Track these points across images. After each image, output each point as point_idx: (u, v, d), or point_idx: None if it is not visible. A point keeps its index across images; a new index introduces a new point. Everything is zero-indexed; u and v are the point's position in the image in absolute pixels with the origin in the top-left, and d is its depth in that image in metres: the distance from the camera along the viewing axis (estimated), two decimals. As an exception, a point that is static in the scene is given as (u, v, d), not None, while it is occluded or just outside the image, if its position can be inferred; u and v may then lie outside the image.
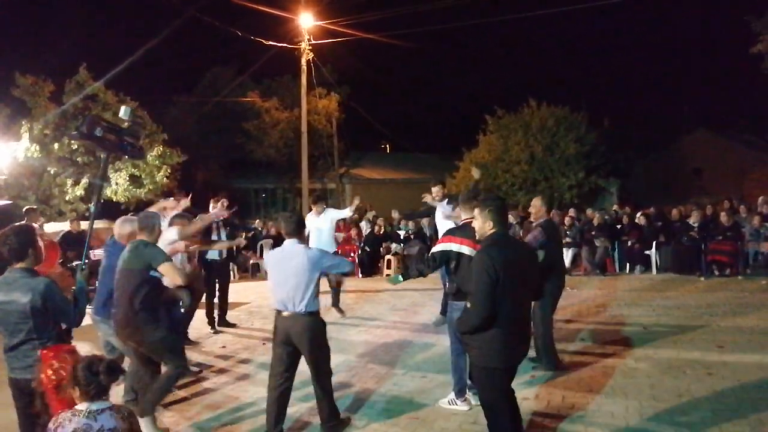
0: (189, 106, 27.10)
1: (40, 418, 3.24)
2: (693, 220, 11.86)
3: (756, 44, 16.48)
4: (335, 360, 5.01)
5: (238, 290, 10.39)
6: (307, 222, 8.45)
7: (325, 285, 7.48)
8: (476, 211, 3.73)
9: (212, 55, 29.91)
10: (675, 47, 46.77)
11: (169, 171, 14.90)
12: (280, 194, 30.07)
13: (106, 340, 5.19)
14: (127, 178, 14.04)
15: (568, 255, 12.36)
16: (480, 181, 8.94)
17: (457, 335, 4.96)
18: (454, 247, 4.76)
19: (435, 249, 4.95)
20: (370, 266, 13.65)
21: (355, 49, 23.87)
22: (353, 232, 14.38)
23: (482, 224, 3.67)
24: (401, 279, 5.39)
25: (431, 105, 38.00)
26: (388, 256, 13.53)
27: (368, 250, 13.83)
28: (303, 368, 4.52)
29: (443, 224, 7.22)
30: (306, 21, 20.18)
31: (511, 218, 14.54)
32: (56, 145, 13.09)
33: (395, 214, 15.70)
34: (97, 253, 10.37)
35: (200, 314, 7.76)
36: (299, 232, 4.58)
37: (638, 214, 12.96)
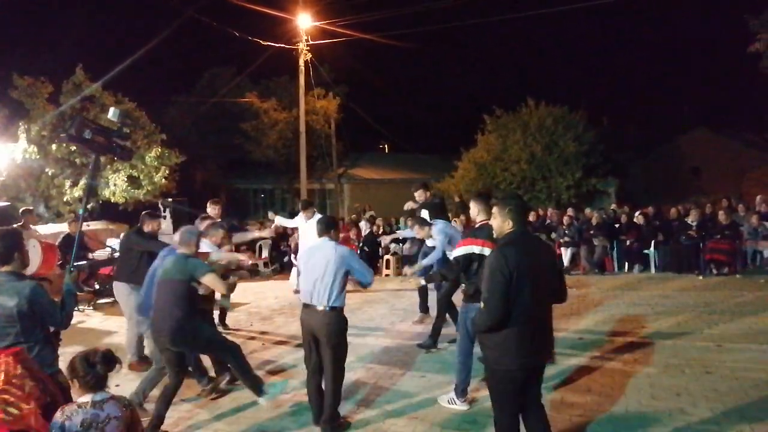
0: (187, 106, 27.06)
1: None
2: (691, 219, 11.87)
3: (754, 43, 16.50)
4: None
5: (237, 290, 10.37)
6: (297, 223, 8.44)
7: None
8: (495, 210, 3.61)
9: (210, 55, 29.89)
10: (673, 46, 46.84)
11: (167, 172, 14.87)
12: (279, 195, 30.03)
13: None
14: (126, 179, 14.02)
15: (566, 254, 12.37)
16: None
17: (470, 335, 5.03)
18: (476, 249, 4.86)
19: (457, 252, 5.01)
20: (368, 266, 13.61)
21: (353, 50, 23.96)
22: (352, 233, 14.38)
23: (501, 223, 3.56)
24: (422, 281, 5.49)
25: (430, 105, 38.01)
26: (387, 256, 13.53)
27: (367, 250, 13.83)
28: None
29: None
30: (304, 21, 20.19)
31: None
32: (54, 147, 13.08)
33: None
34: (97, 255, 10.41)
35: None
36: (330, 231, 4.82)
37: (637, 213, 12.98)
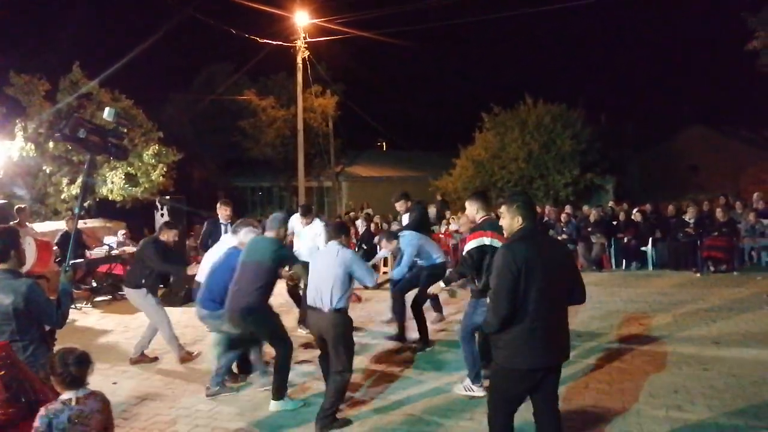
0: (185, 104, 27.00)
1: None
2: (689, 217, 11.88)
3: (752, 41, 16.51)
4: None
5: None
6: (291, 224, 8.42)
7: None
8: (503, 208, 3.52)
9: (208, 53, 29.79)
10: (671, 44, 46.81)
11: (165, 169, 14.83)
12: (277, 192, 30.01)
13: (217, 331, 5.57)
14: (123, 177, 13.99)
15: (564, 252, 12.37)
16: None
17: (470, 327, 5.10)
18: (486, 240, 4.86)
19: (469, 246, 5.00)
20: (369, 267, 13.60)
21: (350, 47, 23.90)
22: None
23: (511, 221, 3.47)
24: (453, 289, 5.54)
25: (428, 102, 37.95)
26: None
27: (365, 248, 13.82)
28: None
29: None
30: (301, 19, 20.15)
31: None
32: (51, 144, 13.04)
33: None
34: (95, 253, 10.39)
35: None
36: (340, 236, 5.01)
37: (634, 211, 12.99)
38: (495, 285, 3.31)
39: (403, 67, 39.24)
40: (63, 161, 13.47)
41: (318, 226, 7.95)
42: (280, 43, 20.21)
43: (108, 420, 3.06)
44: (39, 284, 3.60)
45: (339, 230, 5.10)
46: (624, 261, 12.20)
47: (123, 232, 11.94)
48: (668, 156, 25.28)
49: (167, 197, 12.97)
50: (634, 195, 20.45)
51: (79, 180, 13.37)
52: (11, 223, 8.64)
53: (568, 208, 13.79)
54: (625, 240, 12.17)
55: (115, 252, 10.48)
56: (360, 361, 6.35)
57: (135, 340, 6.86)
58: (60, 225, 11.16)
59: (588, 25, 50.18)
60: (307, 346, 6.64)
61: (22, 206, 10.00)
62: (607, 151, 20.69)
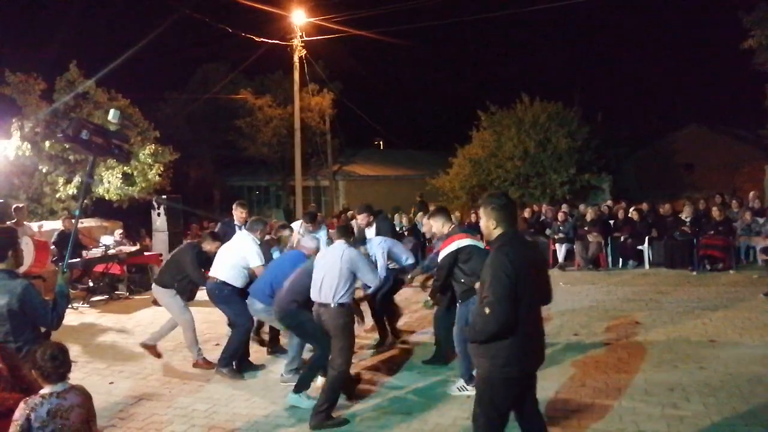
0: (181, 103, 26.96)
1: None
2: (685, 215, 11.91)
3: (747, 40, 16.53)
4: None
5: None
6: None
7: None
8: (481, 210, 3.49)
9: (205, 51, 29.76)
10: (667, 43, 46.91)
11: (161, 169, 14.80)
12: (273, 191, 30.01)
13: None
14: (120, 177, 13.95)
15: (561, 250, 12.40)
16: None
17: (466, 329, 5.12)
18: (464, 242, 5.16)
19: (441, 256, 5.34)
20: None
21: (347, 46, 23.86)
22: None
23: (486, 223, 3.42)
24: (430, 302, 5.84)
25: (424, 101, 38.00)
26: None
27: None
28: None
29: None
30: (298, 17, 20.13)
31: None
32: (47, 144, 13.00)
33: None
34: (92, 252, 10.37)
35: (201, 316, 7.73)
36: (347, 235, 5.25)
37: (631, 209, 13.02)
38: (494, 291, 3.16)
39: (400, 65, 39.31)
40: (59, 160, 13.43)
41: (324, 234, 8.07)
42: (277, 41, 20.20)
43: (90, 413, 3.10)
44: (34, 285, 3.58)
45: (346, 231, 5.32)
46: (621, 260, 12.23)
47: (119, 231, 11.92)
48: (664, 154, 25.33)
49: (164, 197, 12.94)
50: (630, 193, 20.49)
51: (76, 179, 13.36)
52: (9, 222, 8.63)
53: (565, 207, 13.81)
54: (622, 239, 12.20)
55: (111, 252, 10.46)
56: (354, 358, 6.36)
57: (132, 340, 6.87)
58: (56, 224, 11.13)
59: (584, 24, 50.19)
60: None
61: (20, 205, 9.97)
62: (603, 150, 20.73)
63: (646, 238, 11.91)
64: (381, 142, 36.95)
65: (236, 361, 6.08)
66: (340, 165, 28.00)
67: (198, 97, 25.99)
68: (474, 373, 5.10)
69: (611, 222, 12.80)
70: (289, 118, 23.38)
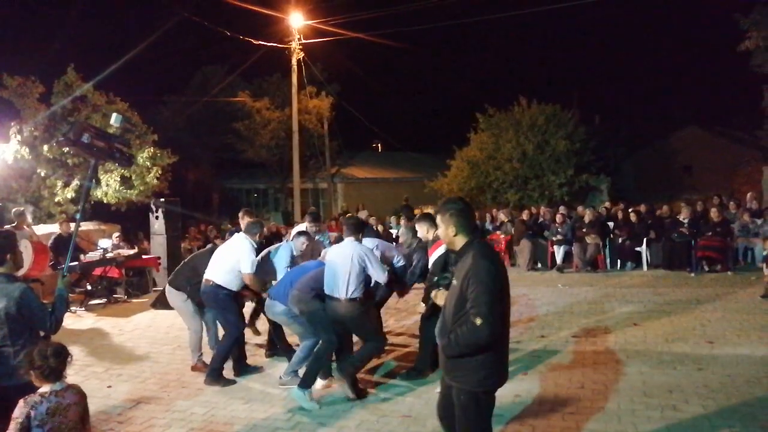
0: (179, 106, 26.96)
1: None
2: (683, 217, 11.93)
3: (744, 41, 16.58)
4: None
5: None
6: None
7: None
8: (438, 218, 3.33)
9: (203, 54, 29.79)
10: (665, 45, 47.02)
11: (159, 172, 14.78)
12: (272, 194, 30.00)
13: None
14: (118, 180, 13.93)
15: (559, 252, 12.41)
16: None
17: None
18: (442, 249, 5.29)
19: (431, 261, 5.52)
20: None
21: (345, 49, 23.90)
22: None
23: (445, 230, 3.25)
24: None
25: (423, 103, 38.05)
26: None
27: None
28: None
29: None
30: (296, 20, 20.15)
31: (502, 216, 14.62)
32: (45, 147, 12.99)
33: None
34: (90, 256, 10.34)
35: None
36: (357, 231, 5.43)
37: (629, 211, 13.04)
38: (485, 300, 2.96)
39: (398, 68, 39.36)
40: (57, 164, 13.40)
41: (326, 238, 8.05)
42: (275, 44, 20.22)
43: (85, 411, 3.15)
44: (33, 289, 3.57)
45: (357, 228, 5.47)
46: (619, 261, 12.24)
47: (117, 234, 11.90)
48: (662, 156, 25.40)
49: (162, 200, 12.91)
50: (628, 195, 20.52)
51: (74, 183, 13.34)
52: (8, 226, 8.62)
53: (563, 209, 13.83)
54: (620, 240, 12.21)
55: (109, 255, 10.44)
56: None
57: (130, 343, 6.85)
58: (54, 228, 11.10)
59: (582, 26, 50.36)
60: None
61: (21, 209, 9.96)
62: (601, 151, 20.77)
63: (644, 239, 11.93)
64: (379, 145, 36.99)
65: (234, 364, 6.06)
66: (339, 167, 28.01)
67: (196, 100, 25.99)
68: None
69: (609, 224, 12.81)
70: (288, 120, 23.39)
